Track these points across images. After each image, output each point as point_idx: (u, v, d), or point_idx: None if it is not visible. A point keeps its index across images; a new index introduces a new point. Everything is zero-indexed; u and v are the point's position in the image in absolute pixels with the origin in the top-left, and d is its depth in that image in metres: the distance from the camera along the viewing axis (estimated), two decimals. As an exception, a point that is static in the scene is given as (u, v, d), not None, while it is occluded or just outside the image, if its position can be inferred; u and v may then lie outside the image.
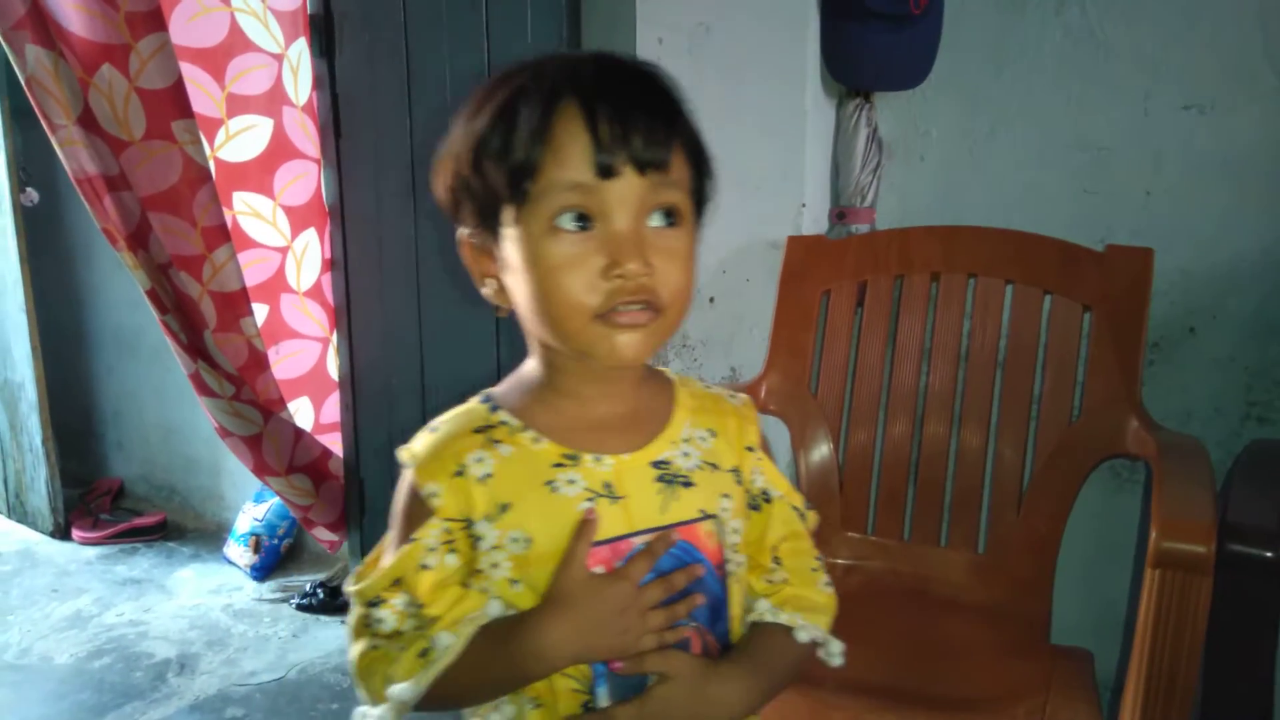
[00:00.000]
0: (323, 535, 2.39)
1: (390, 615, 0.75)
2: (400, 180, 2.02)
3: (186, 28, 2.07)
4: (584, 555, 0.74)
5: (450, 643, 0.73)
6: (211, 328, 2.10)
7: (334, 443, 2.35)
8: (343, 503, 2.33)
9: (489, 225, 0.74)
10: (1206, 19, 1.50)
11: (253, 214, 2.23)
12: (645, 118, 0.70)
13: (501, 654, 0.73)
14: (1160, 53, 1.54)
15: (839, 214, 1.72)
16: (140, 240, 2.03)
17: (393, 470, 2.25)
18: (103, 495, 3.08)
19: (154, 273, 2.06)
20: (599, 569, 0.75)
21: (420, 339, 2.08)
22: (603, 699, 0.76)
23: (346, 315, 2.15)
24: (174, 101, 1.97)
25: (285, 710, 2.02)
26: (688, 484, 0.79)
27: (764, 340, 1.67)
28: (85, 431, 3.27)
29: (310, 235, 2.31)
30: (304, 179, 2.27)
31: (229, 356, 2.13)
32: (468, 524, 0.75)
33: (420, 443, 0.78)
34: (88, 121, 1.92)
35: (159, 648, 2.28)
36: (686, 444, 0.81)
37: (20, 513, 3.01)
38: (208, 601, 2.51)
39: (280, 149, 2.24)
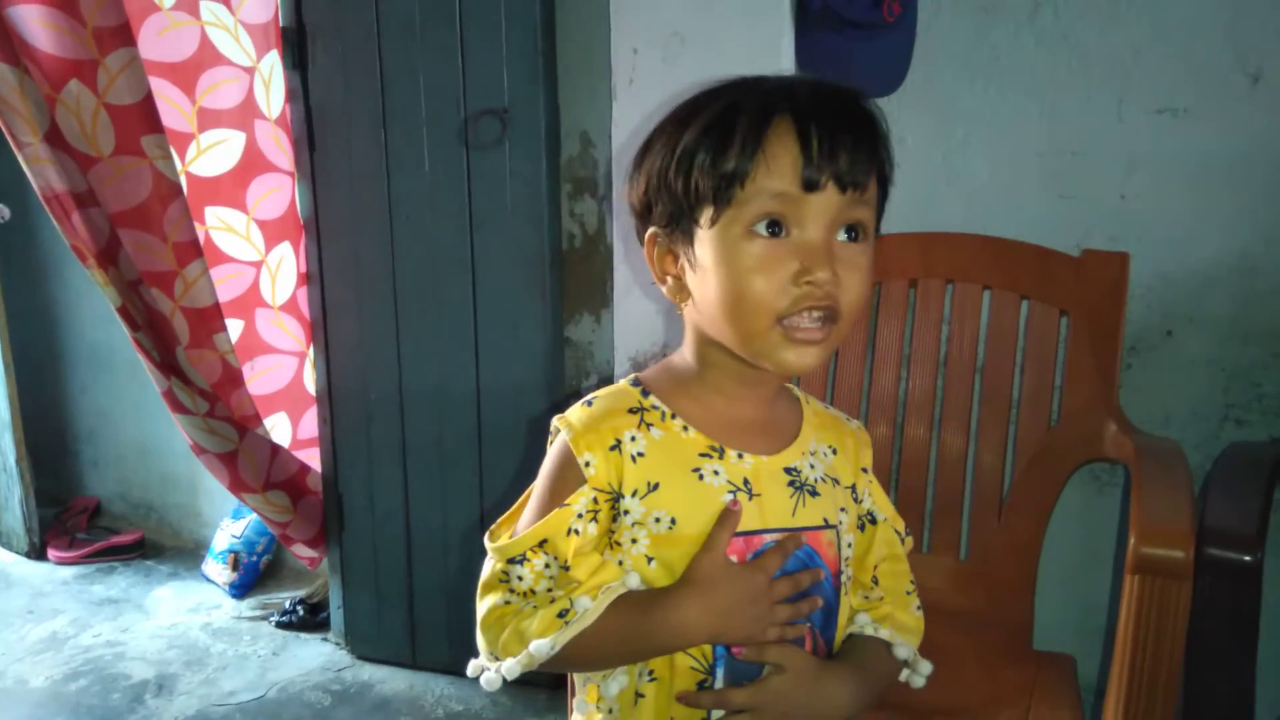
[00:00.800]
0: (301, 552, 2.37)
1: (530, 574, 0.80)
2: (376, 193, 2.01)
3: (156, 42, 2.05)
4: (725, 543, 0.78)
5: (590, 606, 0.77)
6: (184, 344, 2.08)
7: (313, 458, 2.33)
8: (322, 518, 2.31)
9: (682, 226, 0.79)
10: (1178, 25, 1.51)
11: (226, 229, 2.21)
12: (852, 140, 0.74)
13: (637, 625, 0.77)
14: (1132, 58, 1.55)
15: (816, 222, 1.71)
16: (110, 257, 2.01)
17: (372, 483, 2.21)
18: (79, 514, 3.04)
19: (124, 289, 2.04)
20: (732, 558, 0.79)
21: (398, 352, 2.07)
22: (720, 681, 0.80)
23: (323, 329, 2.13)
24: (144, 117, 1.95)
25: (265, 730, 2.00)
26: (814, 493, 0.84)
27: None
28: (60, 450, 3.23)
29: (285, 249, 2.29)
30: (278, 193, 2.26)
31: (202, 373, 2.12)
32: (615, 497, 0.79)
33: (576, 413, 0.82)
34: (54, 138, 1.90)
35: (137, 668, 2.25)
36: (813, 456, 0.86)
37: (-6, 533, 2.98)
38: (186, 620, 2.48)
39: (253, 163, 2.22)
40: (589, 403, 0.83)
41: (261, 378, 2.31)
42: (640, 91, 1.69)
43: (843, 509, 0.86)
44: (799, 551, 0.81)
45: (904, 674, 0.90)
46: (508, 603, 0.81)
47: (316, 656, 2.27)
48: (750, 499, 0.80)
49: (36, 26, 1.85)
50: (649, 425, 0.81)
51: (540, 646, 0.77)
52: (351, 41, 1.98)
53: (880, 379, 1.59)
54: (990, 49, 1.63)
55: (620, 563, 0.80)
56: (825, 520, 0.84)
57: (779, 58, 1.62)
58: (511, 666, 0.79)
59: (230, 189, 2.21)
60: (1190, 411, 1.58)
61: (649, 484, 0.79)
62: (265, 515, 2.28)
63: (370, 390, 2.11)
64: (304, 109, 2.04)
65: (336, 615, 2.29)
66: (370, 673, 2.20)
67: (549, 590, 0.80)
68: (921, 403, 1.56)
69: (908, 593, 0.93)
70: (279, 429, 2.37)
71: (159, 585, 2.70)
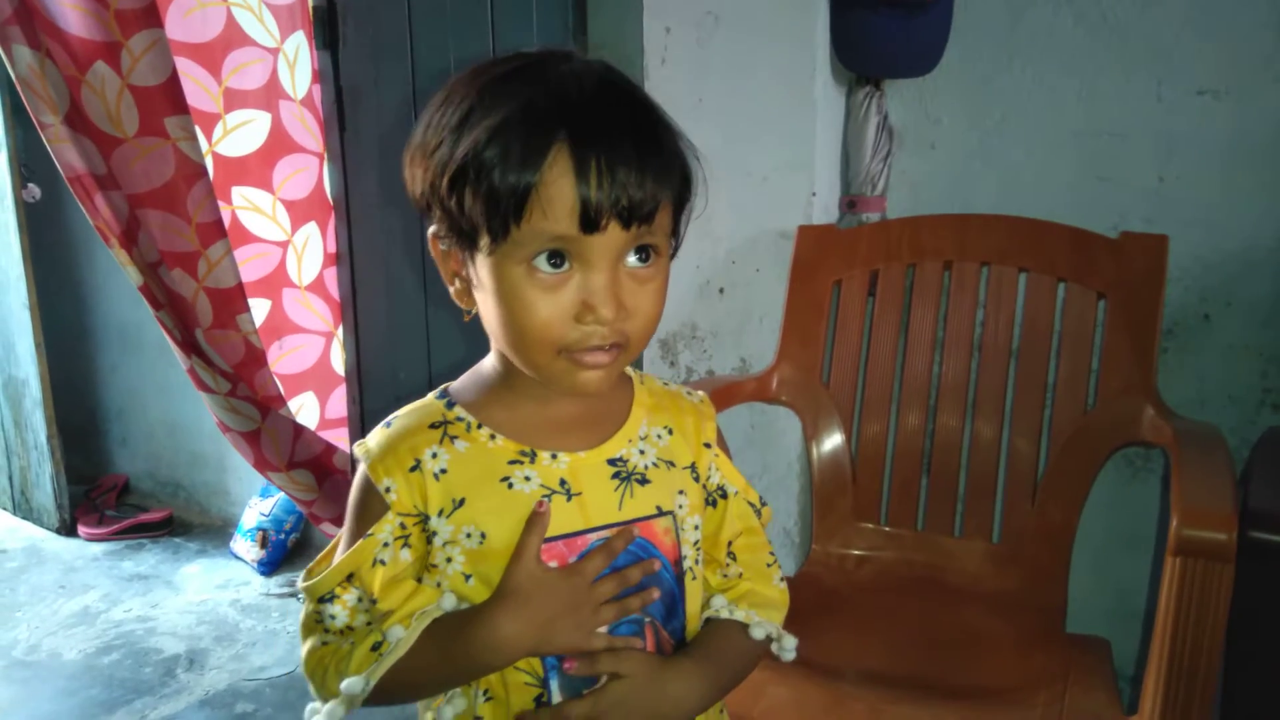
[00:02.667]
0: (329, 530, 2.38)
1: (342, 611, 0.75)
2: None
3: (183, 23, 2.06)
4: (536, 548, 0.74)
5: (403, 636, 0.73)
6: (207, 325, 2.09)
7: (341, 438, 2.34)
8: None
9: (461, 242, 0.74)
10: (1219, 5, 1.49)
11: (252, 208, 2.22)
12: (638, 169, 0.69)
13: (454, 647, 0.73)
14: (1173, 38, 1.53)
15: (849, 203, 1.71)
16: (132, 238, 2.03)
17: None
18: (108, 491, 3.07)
19: (145, 269, 2.06)
20: (553, 564, 0.76)
21: (427, 332, 2.07)
22: (556, 693, 0.77)
23: (352, 309, 2.14)
24: (167, 98, 1.96)
25: (296, 705, 2.01)
26: (644, 481, 0.80)
27: (774, 331, 1.66)
28: (90, 428, 3.26)
29: (311, 229, 2.30)
30: (304, 173, 2.26)
31: (225, 353, 2.13)
32: (423, 519, 0.75)
33: (375, 438, 0.78)
34: (74, 120, 1.92)
35: (167, 643, 2.27)
36: (644, 442, 0.82)
37: (26, 509, 3.00)
38: (215, 597, 2.50)
39: (279, 143, 2.23)
40: (388, 424, 0.79)
41: (289, 357, 2.32)
42: (673, 72, 1.68)
43: (681, 491, 0.82)
44: (630, 546, 0.77)
45: (774, 647, 0.87)
46: (325, 643, 0.77)
47: (345, 633, 2.28)
48: (569, 499, 0.76)
49: (66, 8, 1.86)
50: (453, 439, 0.77)
51: (353, 685, 0.73)
52: (382, 21, 1.98)
53: (913, 362, 1.58)
54: (1028, 29, 1.61)
55: (439, 584, 0.76)
56: (659, 508, 0.80)
57: (814, 38, 1.61)
58: (333, 709, 0.74)
59: (257, 169, 2.21)
60: (1226, 396, 1.57)
61: (454, 500, 0.75)
62: (290, 493, 2.30)
63: (399, 371, 2.12)
64: (334, 89, 2.05)
65: (365, 593, 2.31)
66: (398, 650, 2.21)
67: (368, 625, 0.76)
68: (955, 387, 1.56)
69: (768, 565, 0.89)
70: (307, 408, 2.38)
71: (188, 562, 2.72)
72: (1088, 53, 1.58)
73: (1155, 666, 1.03)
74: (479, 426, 0.77)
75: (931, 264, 1.58)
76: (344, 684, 0.73)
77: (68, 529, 2.91)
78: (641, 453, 0.81)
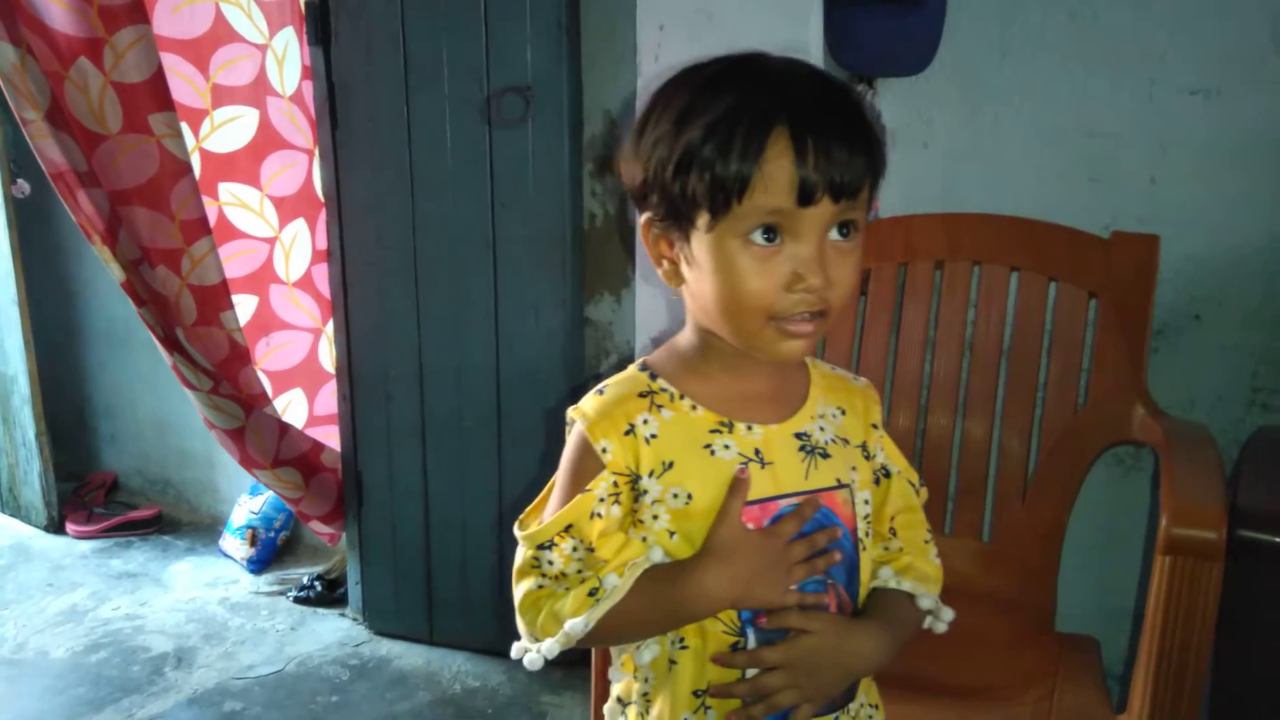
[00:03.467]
0: (318, 528, 2.38)
1: (559, 558, 0.83)
2: (398, 170, 2.00)
3: (170, 19, 2.06)
4: (739, 511, 0.81)
5: (618, 583, 0.80)
6: (190, 322, 2.09)
7: (330, 435, 2.34)
8: (337, 495, 2.32)
9: (679, 224, 0.80)
10: (1212, 4, 1.50)
11: (239, 205, 2.21)
12: (848, 150, 0.75)
13: (663, 596, 0.80)
14: (1165, 37, 1.53)
15: (841, 202, 1.70)
16: (115, 234, 2.03)
17: (391, 460, 2.22)
18: (97, 489, 3.05)
19: (128, 266, 2.05)
20: (750, 525, 0.82)
21: (418, 330, 2.07)
22: (751, 643, 0.83)
23: (343, 306, 2.13)
24: (152, 94, 1.96)
25: (284, 703, 2.01)
26: (825, 455, 0.86)
27: (766, 329, 1.65)
28: (78, 425, 3.24)
29: (299, 226, 2.29)
30: (292, 169, 2.26)
31: (208, 350, 2.12)
32: (634, 478, 0.82)
33: (590, 403, 0.85)
34: (55, 116, 1.92)
35: (156, 641, 2.26)
36: (822, 419, 0.88)
37: (14, 507, 2.99)
38: (204, 595, 2.49)
39: (267, 139, 2.22)
40: (600, 391, 0.86)
41: (276, 354, 2.31)
42: (665, 70, 1.67)
43: (854, 467, 0.88)
44: (816, 514, 0.84)
45: (927, 620, 0.92)
46: (541, 586, 0.84)
47: (334, 631, 2.28)
48: (763, 467, 0.83)
49: (50, 4, 1.85)
50: (659, 407, 0.84)
51: (575, 625, 0.80)
52: (374, 17, 1.97)
53: (905, 362, 1.58)
54: (1021, 28, 1.62)
55: (644, 539, 0.83)
56: (838, 480, 0.86)
57: (808, 36, 1.61)
58: (550, 646, 0.82)
59: (244, 165, 2.21)
60: (1216, 396, 1.57)
61: (664, 463, 0.82)
62: (277, 491, 2.29)
63: (390, 368, 2.12)
64: (326, 85, 2.04)
65: (354, 591, 2.30)
66: (388, 648, 2.21)
67: (579, 572, 0.83)
68: (946, 386, 1.55)
69: (925, 541, 0.95)
70: (295, 405, 2.37)
71: (177, 560, 2.71)
72: (1080, 52, 1.58)
73: (1144, 665, 1.03)
74: (681, 397, 0.84)
75: (923, 263, 1.58)
76: (568, 624, 0.80)
77: (56, 526, 2.90)
78: (821, 429, 0.87)
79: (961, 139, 1.68)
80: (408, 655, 2.18)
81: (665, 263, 0.84)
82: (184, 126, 2.05)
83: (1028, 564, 1.46)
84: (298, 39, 2.23)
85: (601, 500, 0.82)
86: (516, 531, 0.86)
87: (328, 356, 2.40)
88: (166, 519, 2.95)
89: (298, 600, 2.40)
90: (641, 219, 0.84)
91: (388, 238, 2.05)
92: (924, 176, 1.73)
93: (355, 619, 2.31)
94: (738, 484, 0.81)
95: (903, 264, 1.59)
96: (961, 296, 1.55)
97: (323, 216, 2.30)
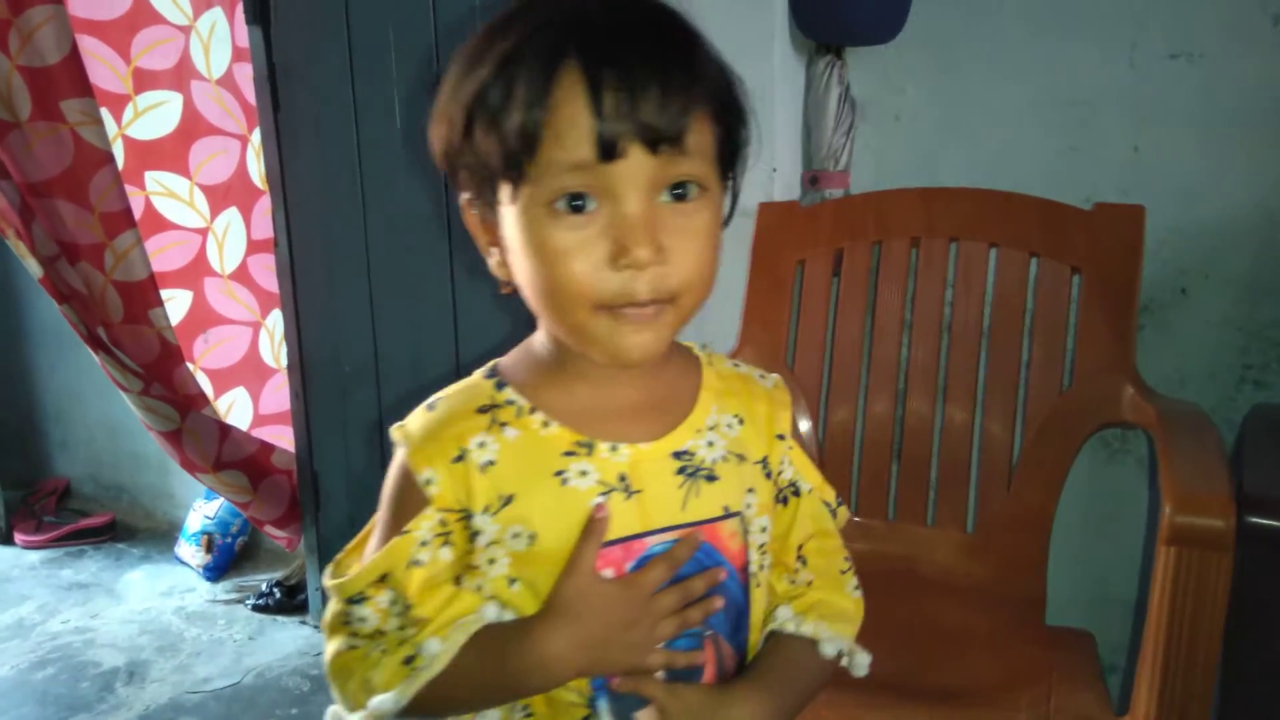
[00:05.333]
0: (273, 532, 2.29)
1: (373, 614, 0.68)
2: (345, 155, 1.91)
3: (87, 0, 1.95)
4: (591, 560, 0.67)
5: (439, 650, 0.66)
6: (118, 320, 1.98)
7: (279, 435, 2.25)
8: (290, 498, 2.23)
9: (485, 198, 0.67)
10: (1195, -38, 1.43)
11: (167, 194, 2.11)
12: (659, 83, 0.61)
13: (495, 665, 0.67)
14: (1145, 1, 1.46)
15: (812, 178, 1.63)
16: (29, 227, 1.92)
17: (348, 459, 2.12)
18: (47, 496, 2.94)
19: (44, 262, 1.95)
20: (608, 572, 0.68)
21: (373, 321, 1.97)
22: (604, 715, 0.69)
23: (292, 298, 2.03)
24: (66, 78, 1.85)
25: (241, 717, 1.92)
26: (711, 478, 0.71)
27: (735, 313, 1.58)
28: (27, 430, 3.13)
29: (232, 215, 2.20)
30: (223, 156, 2.16)
31: (138, 350, 2.02)
32: (466, 515, 0.68)
33: (416, 421, 0.70)
34: None
35: (107, 656, 2.16)
36: (712, 432, 0.73)
37: (-42, 518, 2.87)
38: (159, 605, 2.39)
39: (194, 125, 2.13)
40: (431, 406, 0.71)
41: (215, 351, 2.23)
42: (624, 42, 1.59)
43: (751, 489, 0.74)
44: (696, 553, 0.70)
45: (844, 661, 0.79)
46: (353, 647, 0.70)
47: (294, 640, 2.19)
48: (628, 498, 0.68)
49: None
50: (502, 425, 0.69)
51: (382, 703, 0.66)
52: (317, -6, 1.87)
53: (881, 344, 1.51)
54: (994, -9, 1.54)
55: (479, 588, 0.69)
56: (726, 509, 0.72)
57: (772, 3, 1.53)
58: None
59: (171, 152, 2.11)
60: (1206, 373, 1.51)
61: (502, 497, 0.67)
62: (223, 495, 2.20)
63: (344, 362, 2.02)
64: (266, 66, 1.94)
65: (315, 597, 2.22)
66: (350, 656, 2.12)
67: (400, 629, 0.68)
68: (925, 369, 1.48)
69: (842, 572, 0.81)
70: (239, 405, 2.28)
71: (131, 569, 2.61)
72: (1057, 17, 1.51)
73: (1149, 664, 0.97)
74: (531, 411, 0.70)
75: (898, 241, 1.50)
76: (373, 702, 0.67)
77: (3, 537, 2.80)
78: (710, 444, 0.72)
79: (935, 110, 1.61)
80: (371, 663, 2.09)
81: (494, 251, 0.70)
82: (105, 113, 1.94)
83: (1015, 554, 1.39)
84: (226, 20, 2.13)
85: (424, 544, 0.67)
86: (324, 578, 0.71)
87: (269, 351, 2.31)
88: (120, 526, 2.85)
89: (256, 608, 2.31)
90: (461, 201, 0.70)
91: (336, 225, 1.96)
92: (896, 150, 1.65)
93: (316, 626, 2.22)
94: (591, 525, 0.67)
95: (876, 242, 1.52)
96: (939, 275, 1.48)
97: (259, 205, 2.21)
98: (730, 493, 0.72)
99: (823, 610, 0.77)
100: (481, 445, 0.68)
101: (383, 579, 0.68)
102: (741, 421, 0.75)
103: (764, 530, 0.75)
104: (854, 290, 1.52)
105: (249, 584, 2.43)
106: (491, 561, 0.68)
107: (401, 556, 0.67)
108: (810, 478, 0.79)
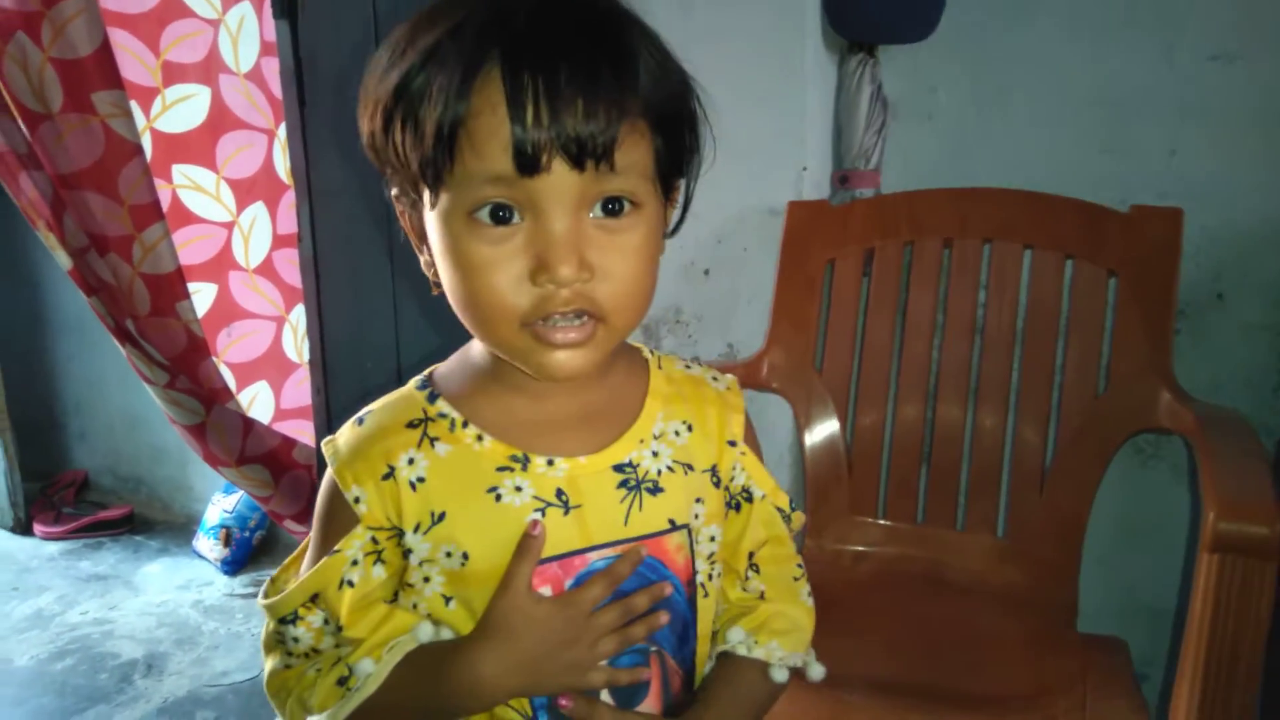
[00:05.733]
0: (292, 527, 2.28)
1: (306, 633, 0.67)
2: (371, 150, 1.90)
3: (118, -9, 1.95)
4: (526, 577, 0.65)
5: (372, 671, 0.65)
6: (145, 312, 1.98)
7: (300, 429, 2.24)
8: (309, 493, 2.22)
9: (410, 197, 0.64)
10: (1236, -38, 1.41)
11: (194, 187, 2.11)
12: (584, 92, 0.57)
13: (430, 686, 0.65)
14: (1184, 0, 1.44)
15: (841, 178, 1.61)
16: (60, 219, 1.92)
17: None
18: (66, 488, 2.94)
19: (75, 254, 1.95)
20: (546, 589, 0.66)
21: (396, 318, 1.96)
22: None
23: (315, 294, 2.02)
24: (97, 71, 1.84)
25: (259, 712, 1.91)
26: (655, 490, 0.69)
27: (763, 314, 1.56)
28: (46, 422, 3.13)
29: (259, 209, 2.19)
30: (249, 150, 2.15)
31: (164, 342, 2.02)
32: (397, 534, 0.66)
33: (344, 436, 0.68)
34: None
35: (125, 647, 2.16)
36: (658, 441, 0.70)
37: (-22, 508, 2.88)
38: (176, 598, 2.39)
39: (221, 119, 2.12)
40: (360, 420, 0.69)
41: (238, 345, 2.22)
42: (654, 38, 1.58)
43: (699, 499, 0.71)
44: (640, 567, 0.67)
45: (804, 668, 0.77)
46: (288, 666, 0.69)
47: (312, 636, 2.18)
48: (567, 513, 0.66)
49: (-15, -25, 1.75)
50: (433, 440, 0.66)
51: None
52: (345, -12, 1.86)
53: (912, 346, 1.49)
54: (1030, -9, 1.53)
55: (415, 606, 0.67)
56: (672, 521, 0.69)
57: (804, 1, 1.52)
58: None
59: (199, 146, 2.10)
60: (1241, 379, 1.49)
61: (433, 514, 0.65)
62: (245, 489, 2.20)
63: (366, 359, 2.01)
64: (293, 60, 1.92)
65: (333, 593, 2.20)
66: (368, 652, 2.12)
67: (336, 647, 0.67)
68: (956, 372, 1.46)
69: (795, 579, 0.79)
70: (261, 399, 2.27)
71: (148, 561, 2.60)
72: (1094, 16, 1.50)
73: (1189, 674, 0.95)
74: (464, 425, 0.67)
75: (930, 241, 1.49)
76: None
77: (23, 528, 2.79)
78: (655, 454, 0.70)
79: (968, 110, 1.59)
80: (389, 659, 2.09)
81: (425, 249, 0.66)
82: (134, 105, 1.94)
83: (1047, 560, 1.37)
84: (255, 14, 2.12)
85: (355, 563, 0.65)
86: (259, 599, 0.70)
87: (292, 346, 2.30)
88: (138, 518, 2.85)
89: (274, 603, 2.30)
90: (392, 195, 0.67)
91: (362, 221, 1.95)
92: (928, 151, 1.63)
93: (334, 622, 2.22)
94: (525, 543, 0.64)
95: (909, 242, 1.50)
96: (972, 277, 1.46)
97: (284, 199, 2.20)
98: (676, 505, 0.70)
99: (775, 624, 0.76)
100: (411, 462, 0.66)
101: (314, 599, 0.66)
102: (690, 428, 0.72)
103: (713, 540, 0.73)
104: (885, 291, 1.50)
105: (266, 578, 2.42)
106: (426, 580, 0.66)
107: (333, 576, 0.65)
108: (763, 484, 0.77)
